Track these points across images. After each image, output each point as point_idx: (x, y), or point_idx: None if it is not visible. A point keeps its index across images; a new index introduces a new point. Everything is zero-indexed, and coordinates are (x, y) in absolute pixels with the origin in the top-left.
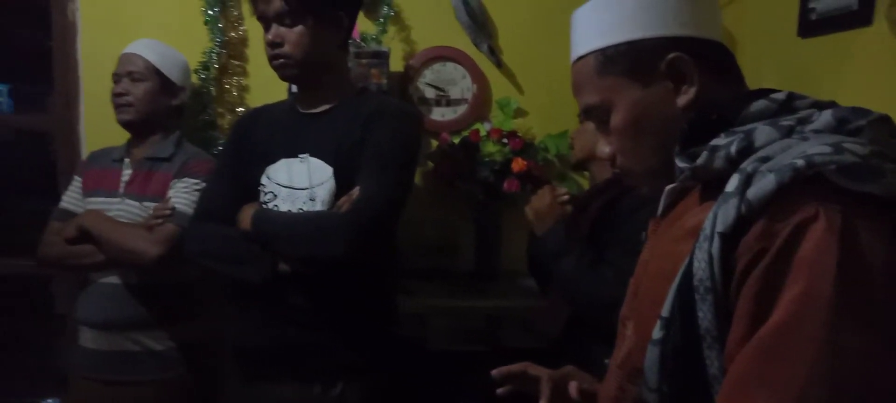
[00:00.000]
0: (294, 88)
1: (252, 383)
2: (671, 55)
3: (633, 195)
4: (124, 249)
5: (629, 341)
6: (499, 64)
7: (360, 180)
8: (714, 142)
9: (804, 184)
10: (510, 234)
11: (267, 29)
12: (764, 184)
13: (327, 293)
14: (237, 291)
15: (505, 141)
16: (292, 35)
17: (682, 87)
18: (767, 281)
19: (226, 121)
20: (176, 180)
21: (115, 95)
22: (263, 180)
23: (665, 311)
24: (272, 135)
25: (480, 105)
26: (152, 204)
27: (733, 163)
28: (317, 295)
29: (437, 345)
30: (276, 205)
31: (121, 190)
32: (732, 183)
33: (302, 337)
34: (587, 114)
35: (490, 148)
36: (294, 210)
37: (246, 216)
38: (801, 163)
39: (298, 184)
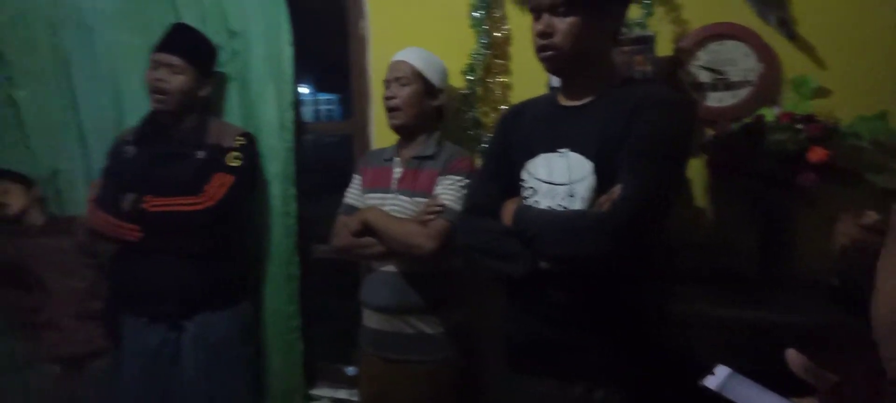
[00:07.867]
0: (554, 82)
1: (516, 375)
2: None
3: None
4: (404, 243)
5: None
6: (792, 36)
7: (621, 177)
8: None
9: None
10: (806, 236)
11: (537, 18)
12: None
13: (589, 292)
14: (506, 284)
15: (799, 126)
16: (563, 26)
17: None
18: None
19: (490, 119)
20: (441, 177)
21: (386, 99)
22: (524, 175)
23: None
24: (533, 130)
25: (769, 86)
26: (422, 200)
27: None
28: (578, 293)
29: (702, 358)
30: (536, 201)
31: (393, 186)
32: None
33: (561, 335)
34: None
35: (779, 135)
36: (553, 206)
37: (508, 211)
38: None
39: (558, 179)
